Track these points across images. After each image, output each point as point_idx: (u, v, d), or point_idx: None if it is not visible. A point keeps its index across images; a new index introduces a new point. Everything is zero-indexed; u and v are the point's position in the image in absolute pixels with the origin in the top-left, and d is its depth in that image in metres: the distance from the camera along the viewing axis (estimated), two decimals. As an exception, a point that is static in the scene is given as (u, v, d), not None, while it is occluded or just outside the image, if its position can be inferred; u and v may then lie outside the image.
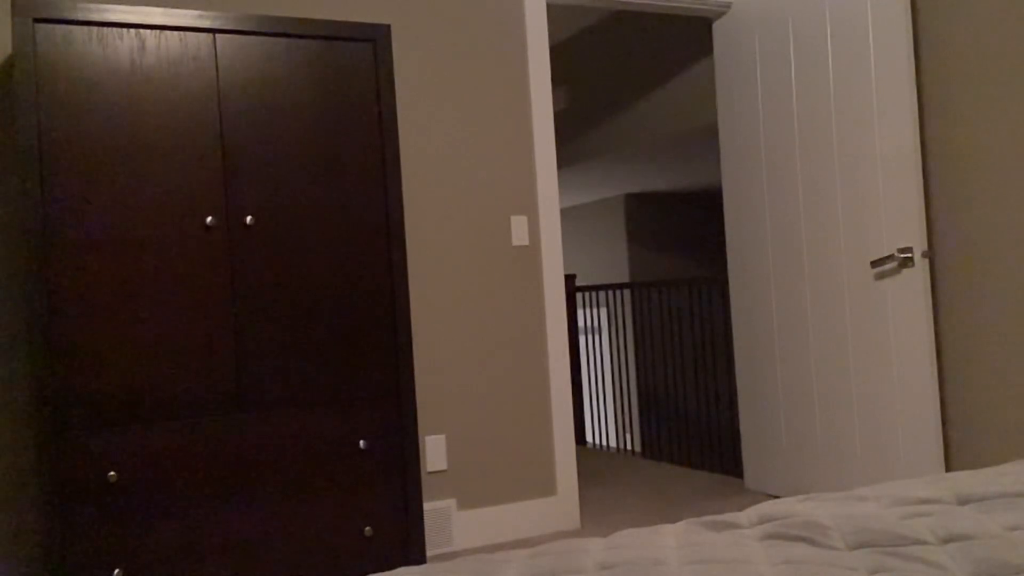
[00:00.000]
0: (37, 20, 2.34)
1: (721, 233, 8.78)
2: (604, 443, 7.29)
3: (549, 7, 5.44)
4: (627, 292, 7.48)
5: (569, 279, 5.53)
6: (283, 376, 2.57)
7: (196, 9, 2.80)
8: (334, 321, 2.64)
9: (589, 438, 6.32)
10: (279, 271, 2.58)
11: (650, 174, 7.37)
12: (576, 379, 5.58)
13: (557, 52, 6.59)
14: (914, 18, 3.23)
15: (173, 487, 2.43)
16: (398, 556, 2.68)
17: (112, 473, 2.36)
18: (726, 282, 4.38)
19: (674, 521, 3.42)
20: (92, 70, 2.40)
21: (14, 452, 2.65)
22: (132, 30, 2.44)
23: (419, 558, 2.70)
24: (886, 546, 1.25)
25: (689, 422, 5.61)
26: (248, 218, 2.54)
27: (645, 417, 6.89)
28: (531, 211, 3.41)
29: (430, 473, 3.20)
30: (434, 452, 3.20)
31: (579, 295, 9.26)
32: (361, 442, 2.64)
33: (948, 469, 3.17)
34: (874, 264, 3.14)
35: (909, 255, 3.07)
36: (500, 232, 3.35)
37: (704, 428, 5.52)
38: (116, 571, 2.35)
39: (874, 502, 1.48)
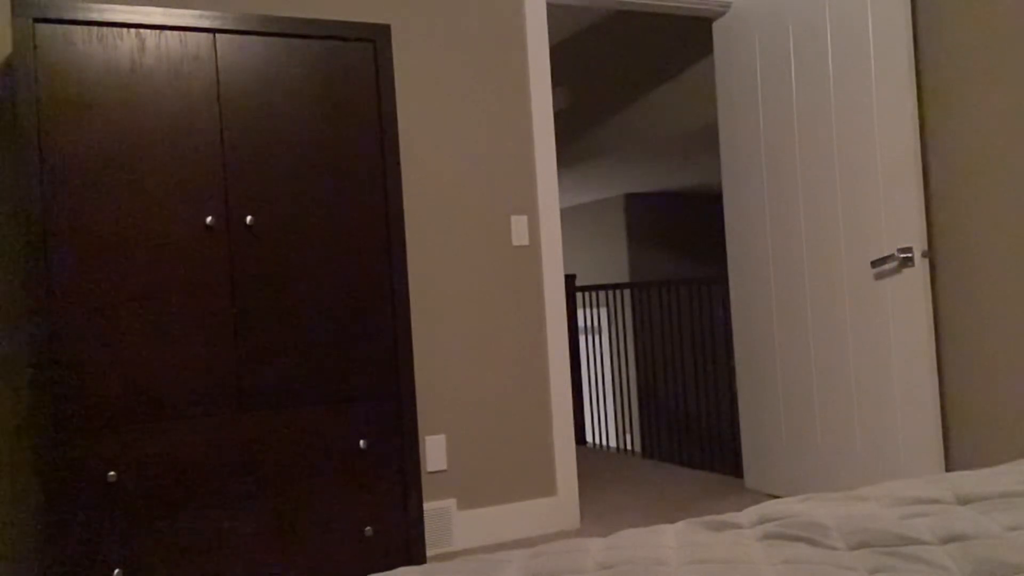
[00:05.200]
0: (37, 20, 2.34)
1: (721, 233, 8.78)
2: (604, 443, 7.29)
3: (549, 7, 5.44)
4: (627, 292, 7.48)
5: (569, 279, 5.53)
6: (283, 376, 2.57)
7: (196, 9, 2.80)
8: (334, 321, 2.64)
9: (589, 438, 6.32)
10: (279, 271, 2.58)
11: (650, 174, 7.37)
12: (576, 379, 5.58)
13: (557, 52, 6.59)
14: (914, 18, 3.23)
15: (173, 487, 2.43)
16: (398, 556, 2.68)
17: (112, 473, 2.36)
18: (726, 282, 4.38)
19: (674, 521, 3.42)
20: (92, 70, 2.40)
21: (14, 452, 2.65)
22: (132, 30, 2.44)
23: (419, 558, 2.70)
24: (886, 546, 1.25)
25: (689, 422, 5.61)
26: (248, 218, 2.54)
27: (645, 417, 6.89)
28: (531, 211, 3.41)
29: (430, 473, 3.20)
30: (434, 452, 3.20)
31: (579, 295, 9.26)
32: (361, 442, 2.64)
33: (948, 469, 3.17)
34: (874, 264, 3.14)
35: (909, 255, 3.07)
36: (500, 232, 3.35)
37: (704, 428, 5.52)
38: (116, 571, 2.35)
39: (874, 502, 1.48)
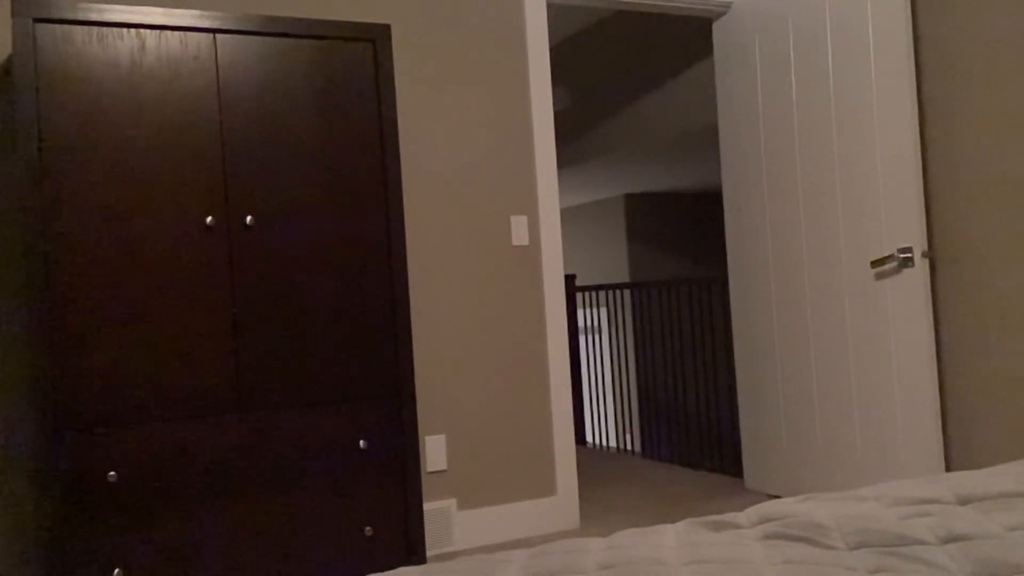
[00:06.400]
0: (37, 20, 2.34)
1: (721, 233, 8.78)
2: (604, 443, 7.29)
3: (549, 7, 5.44)
4: (627, 292, 7.48)
5: (569, 279, 5.53)
6: (283, 376, 2.57)
7: (196, 9, 2.80)
8: (334, 321, 2.64)
9: (589, 438, 6.31)
10: (279, 271, 2.58)
11: (650, 174, 7.37)
12: (576, 379, 5.58)
13: (557, 52, 6.59)
14: (914, 18, 3.23)
15: (173, 487, 2.43)
16: (398, 556, 2.68)
17: (112, 473, 2.36)
18: (726, 282, 4.38)
19: (674, 521, 3.42)
20: (92, 70, 2.40)
21: (14, 452, 2.65)
22: (132, 30, 2.44)
23: (419, 558, 2.70)
24: (886, 546, 1.25)
25: (689, 422, 5.61)
26: (248, 218, 2.54)
27: (645, 417, 6.89)
28: (531, 211, 3.41)
29: (430, 473, 3.20)
30: (434, 452, 3.20)
31: (579, 295, 9.26)
32: (361, 442, 2.64)
33: (948, 469, 3.17)
34: (874, 264, 3.14)
35: (909, 255, 3.07)
36: (500, 232, 3.35)
37: (704, 428, 5.52)
38: (116, 571, 2.35)
39: (874, 502, 1.48)
